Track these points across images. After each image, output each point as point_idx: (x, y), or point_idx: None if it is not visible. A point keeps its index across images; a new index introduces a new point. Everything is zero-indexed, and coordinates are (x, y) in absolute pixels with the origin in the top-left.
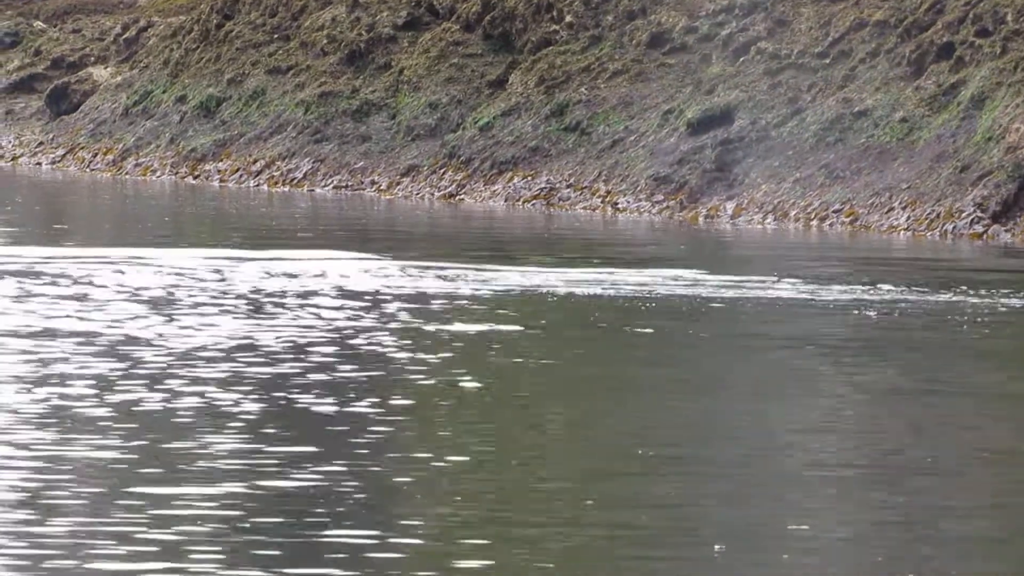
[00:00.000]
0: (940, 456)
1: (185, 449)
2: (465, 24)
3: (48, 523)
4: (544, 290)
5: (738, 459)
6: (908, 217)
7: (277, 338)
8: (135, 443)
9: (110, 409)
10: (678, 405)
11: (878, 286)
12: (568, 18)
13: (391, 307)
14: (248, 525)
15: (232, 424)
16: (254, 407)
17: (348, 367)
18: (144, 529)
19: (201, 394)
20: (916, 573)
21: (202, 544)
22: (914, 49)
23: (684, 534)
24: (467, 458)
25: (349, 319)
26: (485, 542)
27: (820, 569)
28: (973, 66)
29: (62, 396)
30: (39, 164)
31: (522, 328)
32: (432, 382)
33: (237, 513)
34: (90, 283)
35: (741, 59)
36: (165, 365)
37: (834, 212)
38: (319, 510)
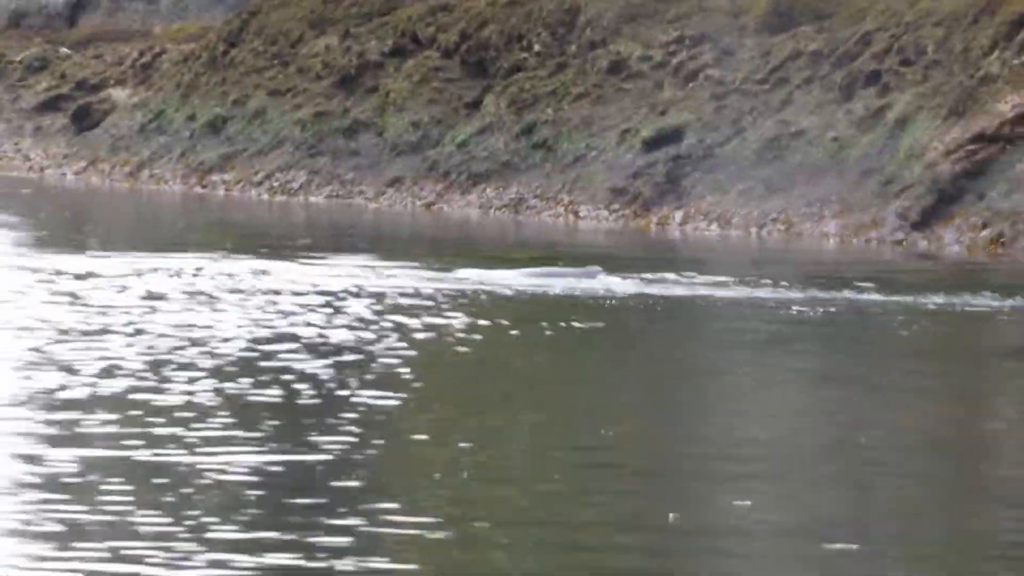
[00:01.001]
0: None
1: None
2: (445, 52)
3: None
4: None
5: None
6: (837, 225)
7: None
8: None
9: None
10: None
11: (806, 287)
12: (536, 47)
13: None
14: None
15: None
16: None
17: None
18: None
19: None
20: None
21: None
22: (845, 76)
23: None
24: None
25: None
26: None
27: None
28: (897, 92)
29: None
30: (64, 175)
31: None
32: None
33: None
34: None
35: (690, 85)
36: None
37: (771, 220)
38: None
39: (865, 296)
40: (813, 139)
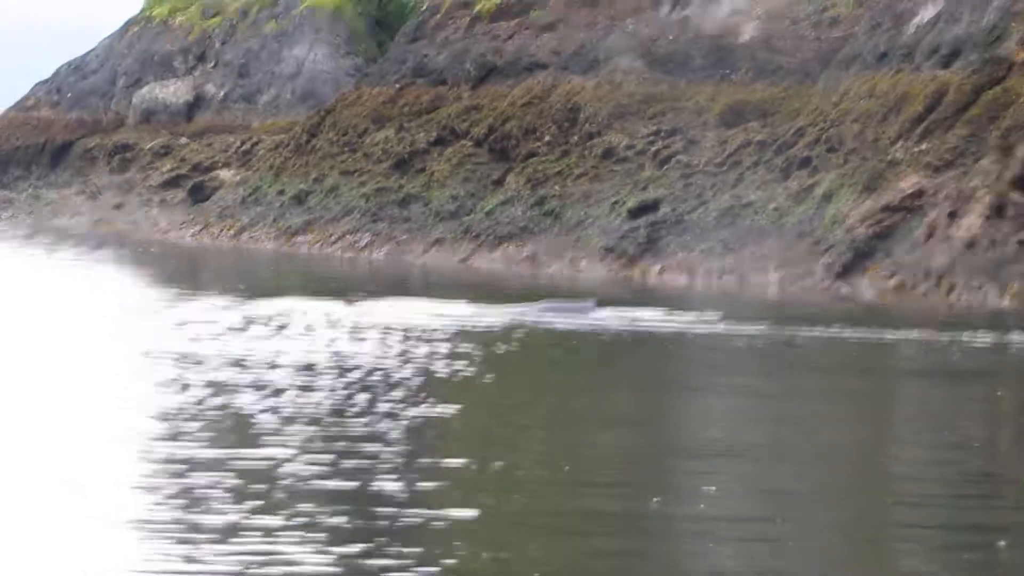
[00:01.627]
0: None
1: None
2: (476, 141)
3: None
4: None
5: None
6: (778, 275)
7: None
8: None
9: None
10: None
11: (752, 322)
12: (547, 138)
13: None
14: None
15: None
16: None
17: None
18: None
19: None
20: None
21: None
22: (783, 161)
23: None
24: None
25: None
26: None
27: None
28: (824, 172)
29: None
30: (183, 236)
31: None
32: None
33: None
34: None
35: (665, 167)
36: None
37: (727, 272)
38: None
39: (798, 331)
40: (759, 209)
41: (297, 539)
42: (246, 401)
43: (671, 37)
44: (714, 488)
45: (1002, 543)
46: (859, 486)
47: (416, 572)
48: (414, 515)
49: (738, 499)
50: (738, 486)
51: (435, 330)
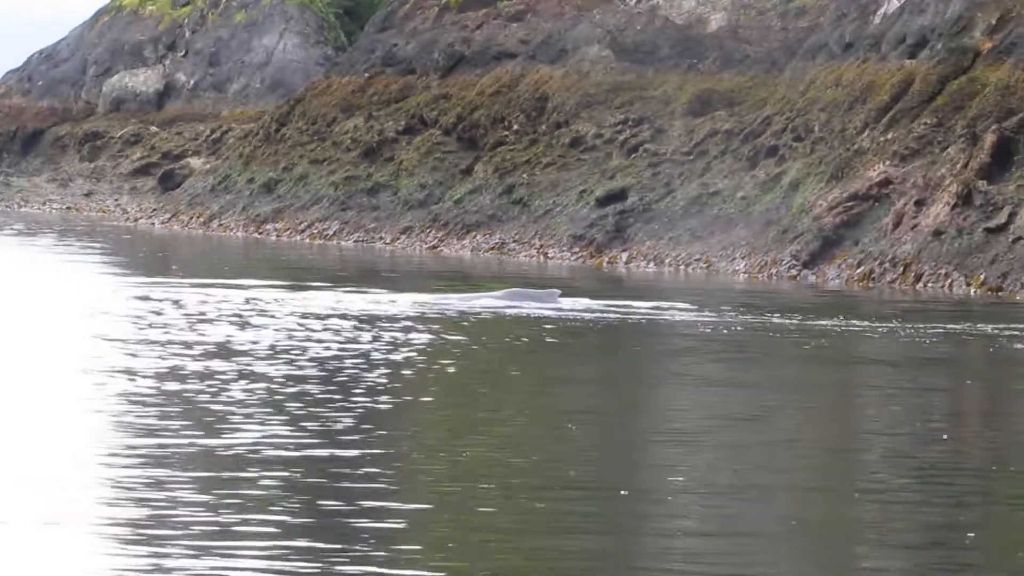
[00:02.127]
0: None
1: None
2: (445, 130)
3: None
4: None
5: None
6: (746, 264)
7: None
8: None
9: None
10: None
11: (720, 310)
12: (515, 127)
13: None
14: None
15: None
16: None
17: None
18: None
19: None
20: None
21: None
22: (751, 149)
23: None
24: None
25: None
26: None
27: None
28: (791, 161)
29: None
30: (152, 224)
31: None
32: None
33: None
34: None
35: (632, 155)
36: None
37: (695, 260)
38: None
39: (765, 318)
40: (727, 198)
41: (249, 535)
42: (199, 389)
43: (639, 27)
44: (681, 479)
45: (971, 535)
46: (824, 480)
47: (372, 569)
48: (371, 510)
49: (702, 495)
50: (702, 479)
51: (394, 318)
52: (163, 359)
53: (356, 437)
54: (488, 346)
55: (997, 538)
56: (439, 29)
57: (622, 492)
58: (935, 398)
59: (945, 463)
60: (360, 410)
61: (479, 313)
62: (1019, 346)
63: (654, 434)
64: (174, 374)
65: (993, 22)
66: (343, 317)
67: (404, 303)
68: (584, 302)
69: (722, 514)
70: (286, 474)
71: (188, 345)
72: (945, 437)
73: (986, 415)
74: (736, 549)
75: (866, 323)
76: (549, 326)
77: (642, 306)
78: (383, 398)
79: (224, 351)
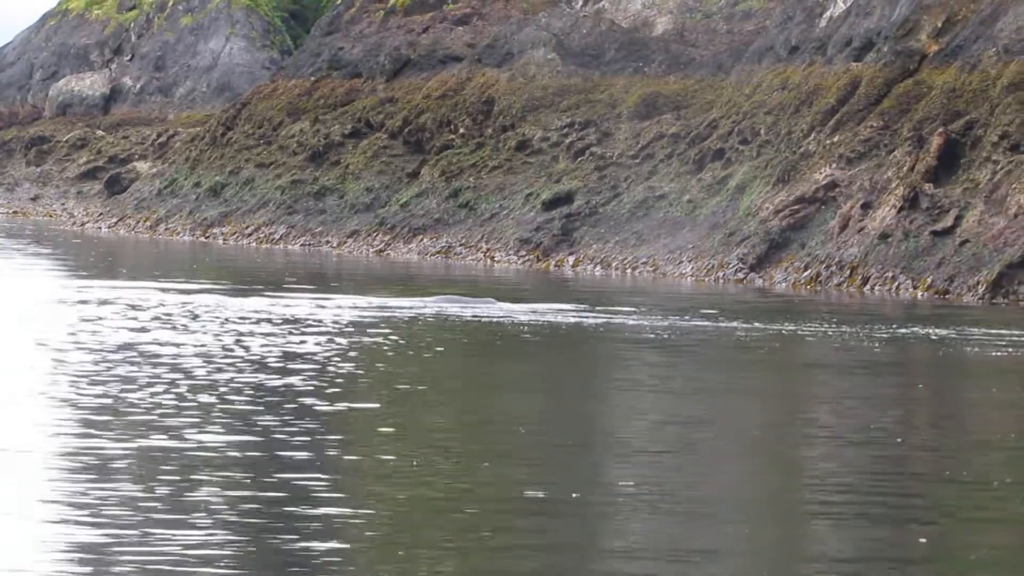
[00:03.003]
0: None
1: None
2: (391, 134)
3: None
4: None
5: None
6: (692, 267)
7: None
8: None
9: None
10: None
11: (665, 314)
12: (461, 130)
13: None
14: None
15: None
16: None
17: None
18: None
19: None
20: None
21: None
22: (697, 153)
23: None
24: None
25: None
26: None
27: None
28: (737, 164)
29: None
30: (99, 228)
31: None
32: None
33: None
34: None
35: (579, 159)
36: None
37: (642, 263)
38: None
39: (712, 322)
40: (673, 201)
41: (193, 538)
42: (149, 393)
43: (585, 30)
44: (632, 484)
45: (922, 540)
46: (774, 491)
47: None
48: (320, 514)
49: (651, 503)
50: (649, 487)
51: (331, 322)
52: (93, 362)
53: (290, 441)
54: (431, 350)
55: (950, 545)
56: (385, 32)
57: (574, 495)
58: (888, 403)
59: (895, 470)
60: (295, 417)
61: (417, 318)
62: (969, 350)
63: (602, 441)
64: (101, 376)
65: (939, 25)
66: (275, 321)
67: (343, 306)
68: (527, 307)
69: (666, 532)
70: (219, 480)
71: (120, 348)
72: (899, 440)
73: (940, 420)
74: (679, 570)
75: (816, 327)
76: (492, 330)
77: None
78: (320, 404)
79: (151, 354)
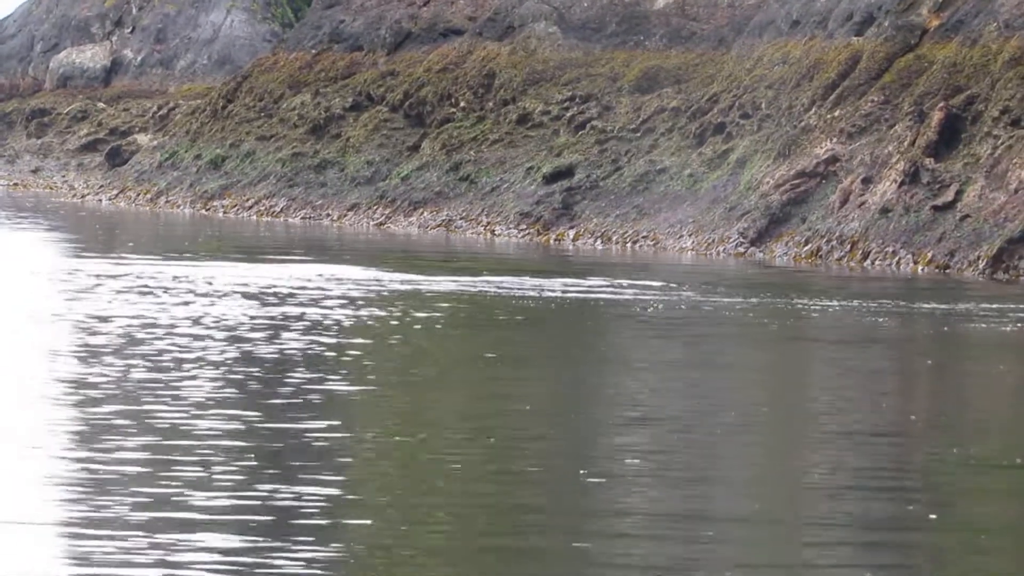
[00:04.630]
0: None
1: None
2: (391, 107)
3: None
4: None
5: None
6: (693, 241)
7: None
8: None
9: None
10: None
11: (668, 287)
12: (462, 103)
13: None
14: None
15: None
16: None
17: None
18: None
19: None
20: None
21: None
22: (698, 127)
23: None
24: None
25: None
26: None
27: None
28: (738, 139)
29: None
30: (100, 200)
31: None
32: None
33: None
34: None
35: (580, 133)
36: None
37: (642, 238)
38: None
39: (713, 296)
40: (674, 175)
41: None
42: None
43: (586, 4)
44: (637, 462)
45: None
46: (770, 473)
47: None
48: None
49: (652, 486)
50: (650, 471)
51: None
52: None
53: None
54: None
55: (958, 524)
56: (386, 6)
57: (581, 472)
58: (897, 379)
59: (905, 450)
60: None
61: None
62: (975, 325)
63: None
64: (98, 351)
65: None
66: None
67: (352, 275)
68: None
69: (673, 503)
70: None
71: (106, 320)
72: (913, 417)
73: (948, 396)
74: (684, 546)
75: (821, 301)
76: (494, 306)
77: (592, 284)
78: (321, 383)
79: (144, 327)
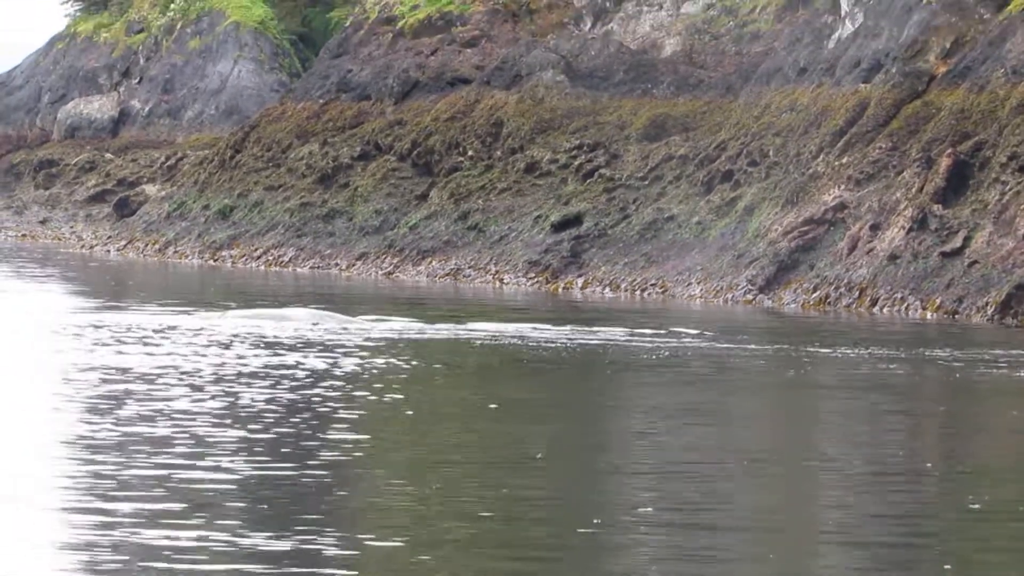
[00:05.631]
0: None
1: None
2: (399, 156)
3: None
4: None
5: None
6: (702, 289)
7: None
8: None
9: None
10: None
11: (672, 331)
12: (470, 152)
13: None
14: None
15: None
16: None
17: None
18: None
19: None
20: None
21: None
22: (706, 174)
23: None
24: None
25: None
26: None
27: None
28: (746, 186)
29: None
30: (108, 251)
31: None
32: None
33: None
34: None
35: (588, 181)
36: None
37: (651, 285)
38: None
39: (719, 344)
40: (682, 223)
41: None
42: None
43: (593, 52)
44: (650, 510)
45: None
46: (785, 521)
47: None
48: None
49: (673, 528)
50: (678, 517)
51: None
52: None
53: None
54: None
55: (973, 574)
56: (393, 55)
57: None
58: (910, 423)
59: (920, 496)
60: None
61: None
62: (983, 371)
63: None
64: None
65: (947, 46)
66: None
67: (361, 326)
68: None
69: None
70: (228, 524)
71: (123, 371)
72: (929, 465)
73: (962, 443)
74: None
75: (834, 349)
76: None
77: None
78: (331, 421)
79: (137, 378)
